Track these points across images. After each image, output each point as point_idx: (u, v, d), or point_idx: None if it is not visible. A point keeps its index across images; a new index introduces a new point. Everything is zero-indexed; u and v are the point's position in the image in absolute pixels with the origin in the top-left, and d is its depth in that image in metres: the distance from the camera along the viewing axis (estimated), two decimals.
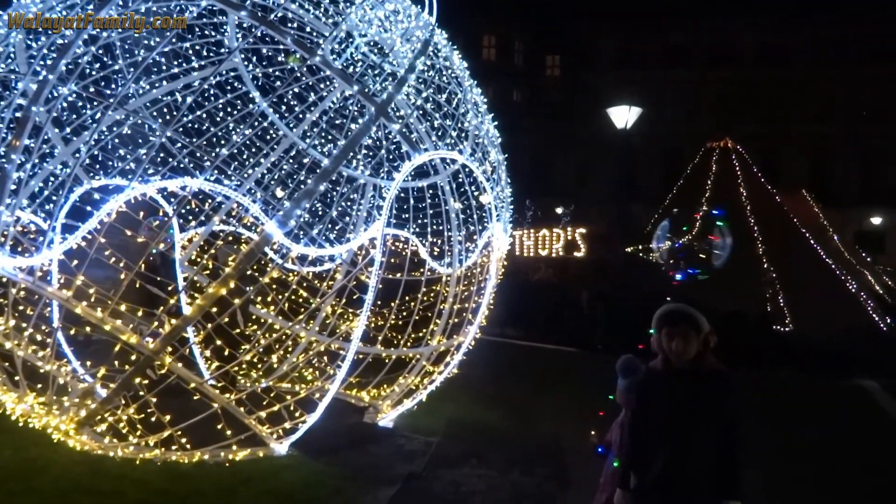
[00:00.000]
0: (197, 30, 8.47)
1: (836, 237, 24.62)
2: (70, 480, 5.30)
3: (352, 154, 9.11)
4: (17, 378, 5.72)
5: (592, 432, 4.13)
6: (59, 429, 5.69)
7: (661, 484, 3.26)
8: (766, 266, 20.26)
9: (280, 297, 8.78)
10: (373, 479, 5.83)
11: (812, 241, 22.17)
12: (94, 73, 7.28)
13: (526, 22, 45.44)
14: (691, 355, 3.33)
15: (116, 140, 8.11)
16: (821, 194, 30.60)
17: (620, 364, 3.98)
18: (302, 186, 8.78)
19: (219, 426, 5.70)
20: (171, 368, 5.28)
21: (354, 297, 8.56)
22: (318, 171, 5.73)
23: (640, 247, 22.02)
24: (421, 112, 8.16)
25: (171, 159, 8.78)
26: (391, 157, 9.46)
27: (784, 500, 6.30)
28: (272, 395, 5.93)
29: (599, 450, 4.02)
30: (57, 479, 5.30)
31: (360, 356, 9.17)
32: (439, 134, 7.76)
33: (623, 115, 15.55)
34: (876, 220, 37.99)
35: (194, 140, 8.56)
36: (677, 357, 3.34)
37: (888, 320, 19.28)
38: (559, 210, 36.68)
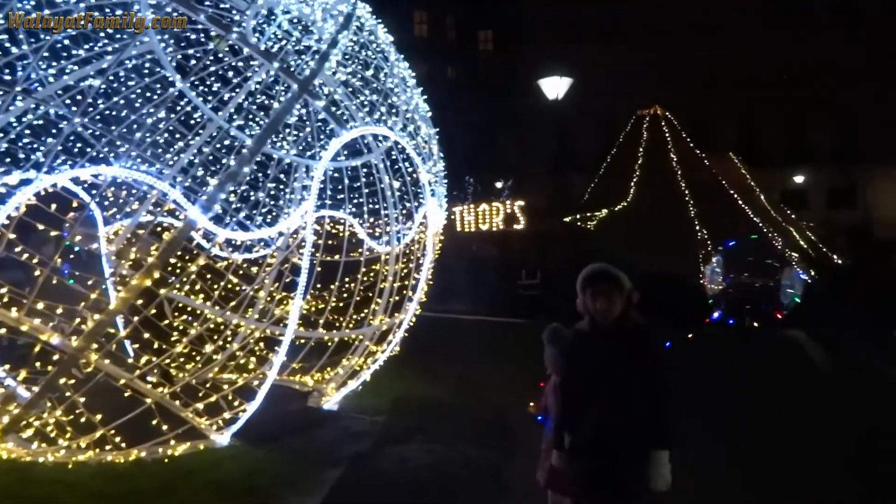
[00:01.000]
0: (107, 10, 8.07)
1: (762, 197, 25.53)
2: None
3: (279, 134, 8.91)
4: None
5: (531, 403, 4.18)
6: None
7: (594, 440, 3.33)
8: (697, 228, 20.88)
9: (215, 286, 8.54)
10: (318, 463, 5.78)
11: (740, 202, 22.96)
12: None
13: None
14: (616, 314, 3.39)
15: (27, 131, 7.69)
16: (749, 157, 31.65)
17: (548, 333, 4.03)
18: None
19: (154, 422, 5.53)
20: (98, 366, 5.07)
21: (288, 281, 8.41)
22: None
23: (578, 216, 22.37)
24: (350, 89, 8.02)
25: (89, 149, 8.39)
26: (321, 136, 9.29)
27: (719, 443, 6.56)
28: (208, 385, 5.76)
29: (539, 418, 4.07)
30: None
31: (303, 341, 9.08)
32: (368, 110, 7.64)
33: (555, 87, 15.67)
34: (799, 179, 39.67)
35: (113, 128, 8.19)
36: (602, 316, 3.40)
37: (812, 273, 20.20)
38: (499, 184, 36.93)
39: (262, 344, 7.76)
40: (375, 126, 6.61)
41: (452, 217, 23.35)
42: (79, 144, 8.31)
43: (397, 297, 8.38)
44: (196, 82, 8.82)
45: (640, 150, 24.19)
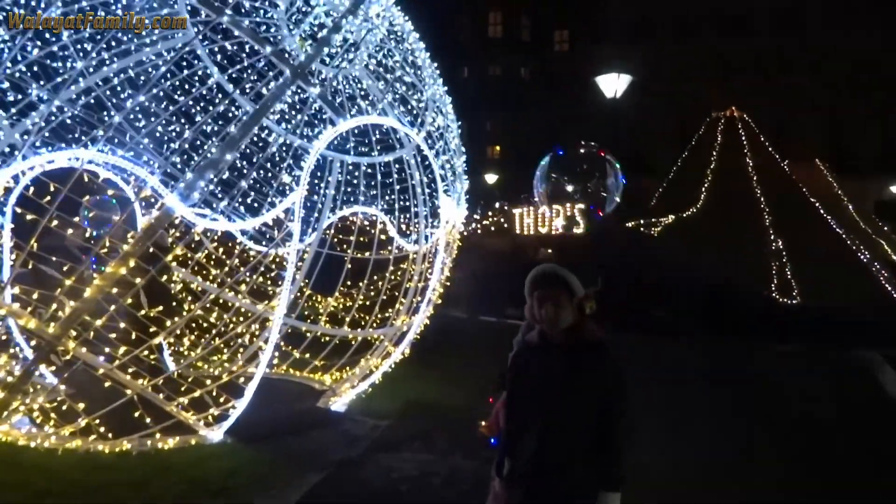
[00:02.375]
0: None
1: (850, 207, 23.66)
2: None
3: (316, 128, 8.74)
4: None
5: (482, 423, 3.69)
6: None
7: (530, 470, 2.88)
8: (772, 237, 19.51)
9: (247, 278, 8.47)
10: (302, 467, 5.53)
11: (823, 212, 21.32)
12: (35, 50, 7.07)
13: None
14: (565, 323, 2.93)
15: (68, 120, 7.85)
16: (838, 164, 29.52)
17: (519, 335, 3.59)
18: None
19: (136, 413, 5.43)
20: (76, 354, 5.00)
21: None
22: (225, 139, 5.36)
23: (642, 221, 21.39)
24: (369, 81, 7.76)
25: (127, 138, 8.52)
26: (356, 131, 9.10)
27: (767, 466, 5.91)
28: (190, 380, 5.60)
29: (493, 442, 3.60)
30: None
31: (327, 338, 8.92)
32: (373, 101, 7.34)
33: (612, 84, 14.92)
34: (895, 189, 36.71)
35: (152, 120, 8.24)
36: (549, 325, 2.94)
37: None
38: (570, 188, 36.11)
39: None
40: (378, 117, 6.28)
41: (511, 220, 22.86)
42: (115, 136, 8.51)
43: (419, 298, 8.08)
44: (234, 75, 8.84)
45: (714, 153, 22.90)
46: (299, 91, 8.78)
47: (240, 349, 8.25)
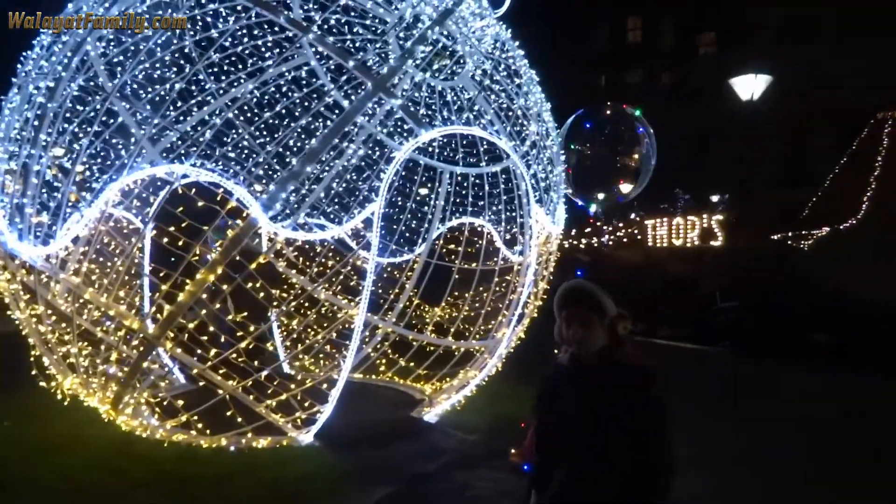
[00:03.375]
0: (266, 26, 8.66)
1: None
2: (90, 458, 5.59)
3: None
4: (69, 361, 6.14)
5: (512, 450, 3.43)
6: (100, 409, 6.04)
7: (559, 502, 2.64)
8: None
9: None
10: (377, 478, 5.53)
11: None
12: (173, 76, 7.77)
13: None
14: (596, 345, 2.65)
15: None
16: None
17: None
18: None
19: (228, 413, 5.72)
20: (172, 353, 5.35)
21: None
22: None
23: (791, 234, 19.56)
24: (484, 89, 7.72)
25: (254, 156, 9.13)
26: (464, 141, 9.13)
27: None
28: (276, 383, 5.80)
29: (525, 468, 3.35)
30: (80, 457, 5.61)
31: (432, 348, 8.98)
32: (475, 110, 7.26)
33: (749, 86, 13.77)
34: None
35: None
36: (578, 347, 2.69)
37: None
38: (714, 198, 33.96)
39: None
40: (462, 126, 6.20)
41: (644, 231, 21.90)
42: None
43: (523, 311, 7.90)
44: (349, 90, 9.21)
45: (879, 159, 20.50)
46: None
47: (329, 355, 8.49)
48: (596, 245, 21.81)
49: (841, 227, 19.52)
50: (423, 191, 9.62)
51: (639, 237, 22.94)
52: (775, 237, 19.50)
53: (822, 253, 19.07)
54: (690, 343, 14.44)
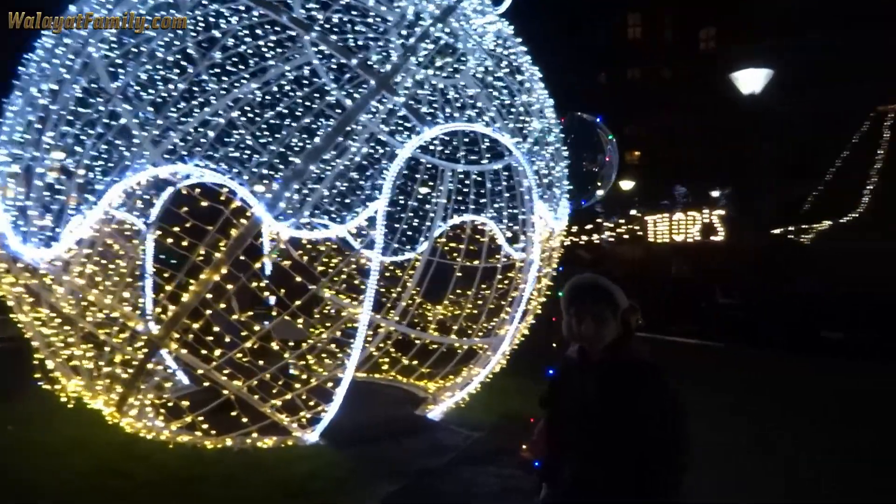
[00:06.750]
0: (267, 26, 8.64)
1: None
2: (95, 460, 5.59)
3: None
4: (72, 364, 6.14)
5: (524, 445, 3.41)
6: (104, 411, 6.04)
7: (566, 501, 2.63)
8: None
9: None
10: (384, 474, 5.52)
11: None
12: (175, 77, 7.75)
13: None
14: (607, 340, 2.64)
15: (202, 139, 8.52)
16: None
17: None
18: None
19: (233, 413, 5.72)
20: (176, 354, 5.35)
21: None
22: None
23: (790, 228, 19.53)
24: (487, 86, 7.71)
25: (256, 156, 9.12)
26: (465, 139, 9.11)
27: None
28: (281, 382, 5.79)
29: (536, 464, 3.34)
30: (85, 459, 5.61)
31: (434, 346, 8.97)
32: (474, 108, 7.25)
33: (751, 80, 13.73)
34: None
35: (276, 136, 8.72)
36: (590, 343, 2.67)
37: None
38: (715, 193, 33.96)
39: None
40: (464, 123, 6.19)
41: (645, 227, 21.88)
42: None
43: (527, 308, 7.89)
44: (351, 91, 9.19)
45: (879, 152, 20.47)
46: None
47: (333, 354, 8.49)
48: (597, 241, 21.86)
49: (841, 220, 19.50)
50: (425, 189, 9.60)
51: (639, 233, 22.90)
52: (776, 231, 19.48)
53: (821, 246, 19.04)
54: (696, 339, 14.38)
